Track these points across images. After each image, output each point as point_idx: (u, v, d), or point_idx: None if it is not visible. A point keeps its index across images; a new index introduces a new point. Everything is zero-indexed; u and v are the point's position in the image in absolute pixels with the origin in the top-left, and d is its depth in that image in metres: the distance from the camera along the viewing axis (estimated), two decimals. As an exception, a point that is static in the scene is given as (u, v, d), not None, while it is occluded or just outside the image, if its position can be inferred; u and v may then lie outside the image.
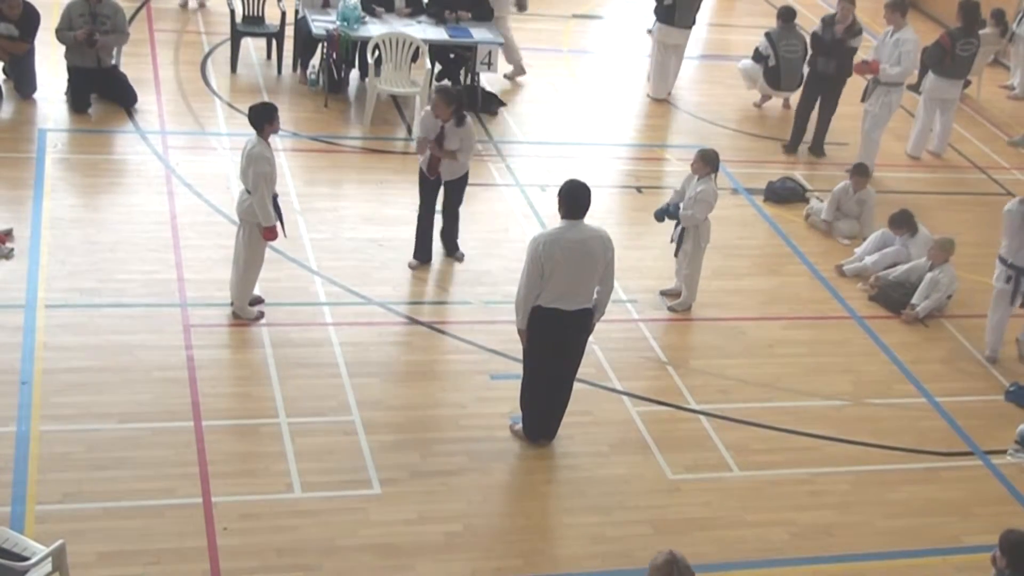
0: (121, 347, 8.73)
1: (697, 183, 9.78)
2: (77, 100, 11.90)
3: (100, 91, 12.16)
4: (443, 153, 9.87)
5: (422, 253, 10.32)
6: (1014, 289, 9.85)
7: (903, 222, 11.13)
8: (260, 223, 8.88)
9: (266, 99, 12.76)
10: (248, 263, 9.11)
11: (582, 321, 7.94)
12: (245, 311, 9.22)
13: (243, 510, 7.41)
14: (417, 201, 10.20)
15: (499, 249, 10.69)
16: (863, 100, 13.06)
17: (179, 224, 10.36)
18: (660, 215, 10.20)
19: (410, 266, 10.25)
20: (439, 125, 9.82)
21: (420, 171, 10.13)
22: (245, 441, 8.03)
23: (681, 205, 9.88)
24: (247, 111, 8.99)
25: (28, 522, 7.07)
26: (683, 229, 9.94)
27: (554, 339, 7.92)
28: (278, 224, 9.01)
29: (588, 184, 7.83)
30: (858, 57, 13.22)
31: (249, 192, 8.85)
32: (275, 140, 11.98)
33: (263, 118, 8.84)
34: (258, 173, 8.75)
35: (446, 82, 12.15)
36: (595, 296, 7.93)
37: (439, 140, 9.84)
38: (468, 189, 10.32)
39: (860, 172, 11.74)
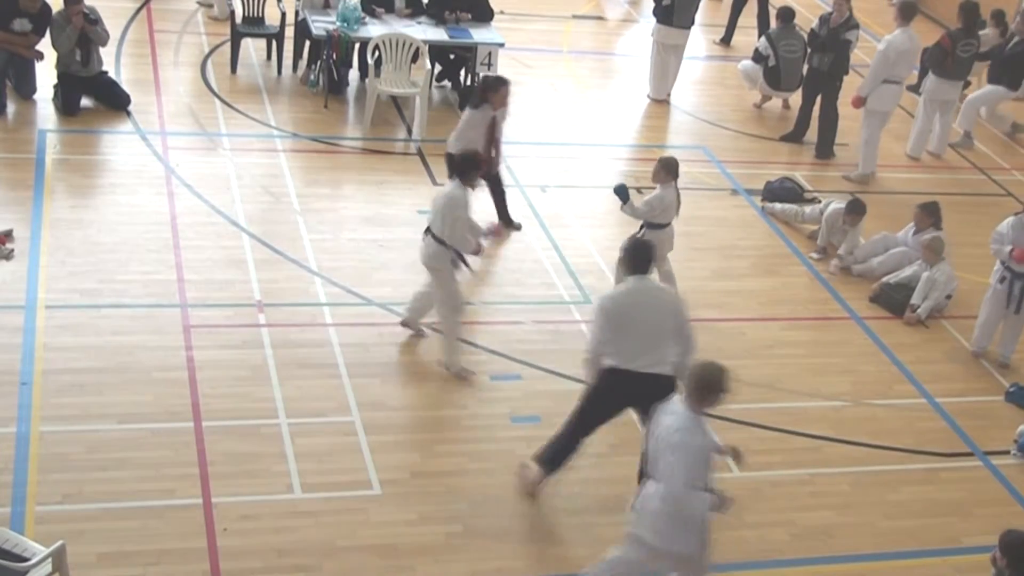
0: (121, 348, 8.74)
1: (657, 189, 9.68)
2: (67, 105, 11.90)
3: (91, 96, 12.16)
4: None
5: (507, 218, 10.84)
6: (1008, 291, 9.86)
7: (931, 212, 11.05)
8: (458, 257, 8.70)
9: (266, 99, 12.82)
10: (449, 309, 8.80)
11: (657, 388, 7.19)
12: (457, 366, 8.87)
13: (243, 511, 7.42)
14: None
15: (499, 250, 10.69)
16: None
17: (179, 225, 10.36)
18: (617, 190, 9.75)
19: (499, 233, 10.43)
20: (491, 116, 10.17)
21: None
22: (245, 442, 8.03)
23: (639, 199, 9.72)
24: (452, 157, 8.78)
25: (28, 523, 7.07)
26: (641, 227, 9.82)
27: (625, 404, 7.72)
28: (478, 241, 8.82)
29: (650, 242, 7.73)
30: (856, 56, 13.23)
31: (436, 239, 8.62)
32: (275, 141, 12.08)
33: (469, 166, 8.62)
34: (456, 218, 8.50)
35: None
36: (674, 359, 7.50)
37: (492, 130, 10.23)
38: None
39: (855, 210, 11.25)
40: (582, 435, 7.81)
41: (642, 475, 7.22)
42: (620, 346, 7.45)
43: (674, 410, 6.48)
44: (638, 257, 7.66)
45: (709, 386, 6.39)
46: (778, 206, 12.00)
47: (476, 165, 8.72)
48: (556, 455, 7.83)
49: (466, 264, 9.02)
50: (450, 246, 8.63)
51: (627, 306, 7.47)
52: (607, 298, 7.58)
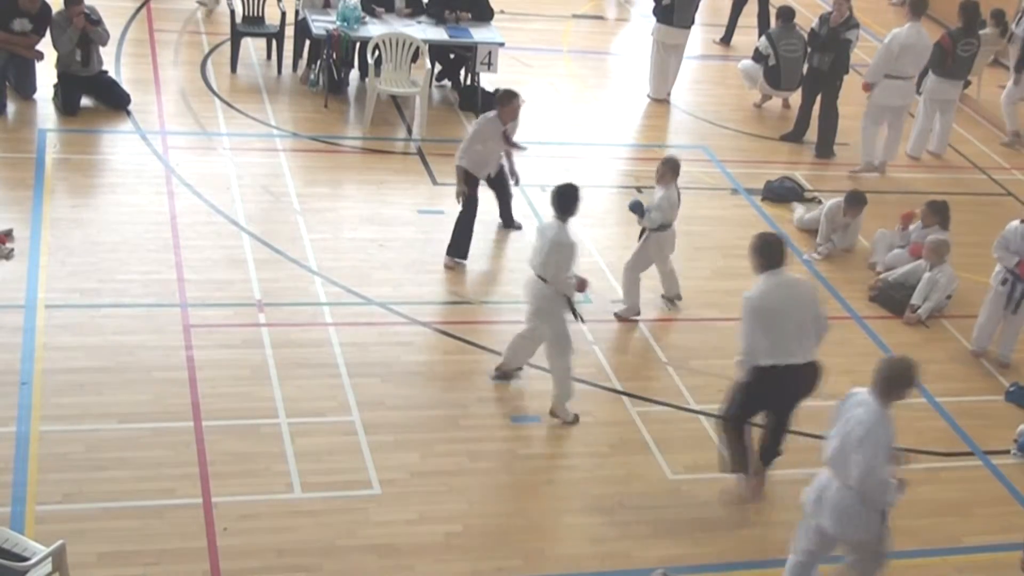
0: (121, 347, 8.74)
1: (657, 190, 9.69)
2: (67, 104, 11.90)
3: (91, 96, 12.16)
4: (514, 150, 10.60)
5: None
6: (1009, 293, 9.85)
7: (938, 211, 11.07)
8: (567, 296, 8.41)
9: (266, 99, 12.82)
10: (559, 351, 8.48)
11: (811, 375, 7.76)
12: (569, 414, 8.62)
13: (243, 510, 7.42)
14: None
15: (499, 249, 10.69)
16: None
17: (179, 224, 10.36)
18: (633, 207, 9.83)
19: (449, 266, 10.30)
20: (501, 129, 10.17)
21: (471, 178, 10.22)
22: (245, 441, 8.03)
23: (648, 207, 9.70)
24: (555, 193, 8.37)
25: (28, 522, 7.07)
26: (644, 230, 9.85)
27: (788, 396, 7.84)
28: (580, 280, 8.45)
29: (778, 236, 7.74)
30: (856, 55, 13.23)
31: (542, 278, 8.35)
32: (275, 141, 12.08)
33: (571, 200, 8.32)
34: (561, 262, 8.24)
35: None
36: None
37: (508, 140, 10.34)
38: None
39: (855, 202, 11.38)
40: (741, 427, 7.94)
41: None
42: (773, 342, 7.56)
43: (863, 401, 6.61)
44: (770, 252, 7.71)
45: (899, 380, 6.55)
46: (807, 216, 11.88)
47: (577, 198, 8.34)
48: (738, 457, 8.00)
49: (575, 313, 8.53)
50: (557, 289, 8.35)
51: (774, 302, 7.59)
52: (755, 298, 7.64)
